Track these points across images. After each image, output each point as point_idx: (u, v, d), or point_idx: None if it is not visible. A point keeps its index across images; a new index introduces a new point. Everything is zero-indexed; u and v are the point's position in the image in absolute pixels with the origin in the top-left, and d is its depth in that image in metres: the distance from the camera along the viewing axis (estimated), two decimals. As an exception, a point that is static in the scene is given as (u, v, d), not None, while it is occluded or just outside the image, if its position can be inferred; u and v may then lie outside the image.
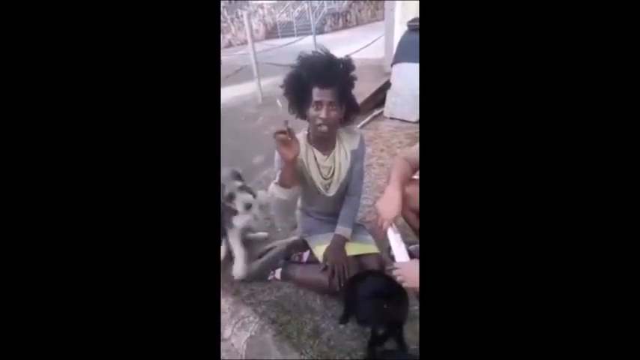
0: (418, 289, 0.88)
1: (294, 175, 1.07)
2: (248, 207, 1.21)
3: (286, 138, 0.95)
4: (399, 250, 0.97)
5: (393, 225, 1.00)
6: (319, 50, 1.06)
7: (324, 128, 1.05)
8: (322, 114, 1.02)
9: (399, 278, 0.91)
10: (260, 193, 1.29)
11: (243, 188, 1.22)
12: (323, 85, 1.01)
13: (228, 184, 1.20)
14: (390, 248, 1.03)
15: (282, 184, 1.06)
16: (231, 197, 1.21)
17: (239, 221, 1.28)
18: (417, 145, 1.08)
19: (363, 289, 1.05)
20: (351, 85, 1.08)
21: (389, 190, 1.00)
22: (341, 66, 1.04)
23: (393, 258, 0.99)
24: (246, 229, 1.37)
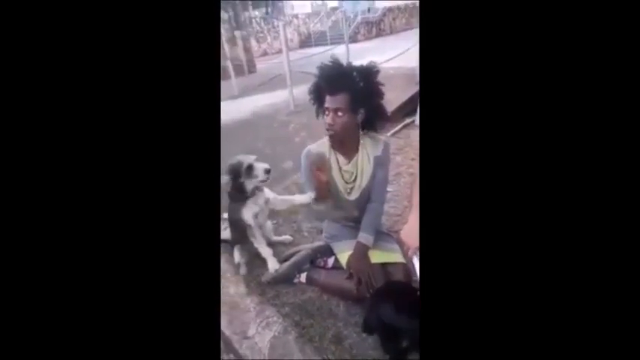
0: None
1: (328, 192, 1.21)
2: (268, 172, 1.27)
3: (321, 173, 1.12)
4: None
5: (418, 253, 1.01)
6: (330, 60, 1.13)
7: (331, 133, 1.12)
8: (328, 119, 1.10)
9: None
10: (267, 191, 1.35)
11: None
12: (331, 93, 1.08)
13: (244, 159, 1.26)
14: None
15: (318, 199, 1.20)
16: (250, 168, 1.25)
17: (248, 213, 1.31)
18: None
19: (389, 302, 1.04)
20: (374, 92, 1.11)
21: (412, 218, 1.02)
22: (354, 74, 1.08)
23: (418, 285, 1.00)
24: (258, 224, 1.40)
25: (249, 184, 1.27)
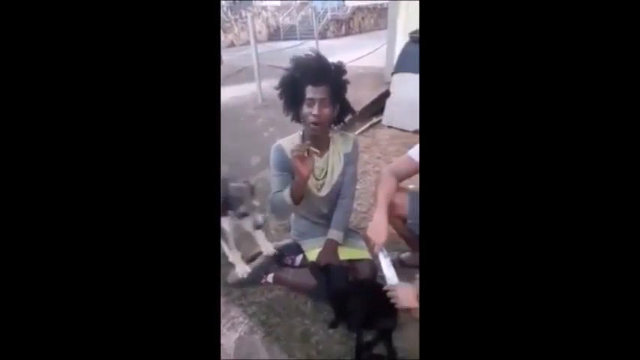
0: (410, 310, 0.96)
1: (305, 189, 1.14)
2: (258, 227, 1.21)
3: (304, 155, 1.03)
4: (390, 273, 1.04)
5: (383, 249, 1.06)
6: (310, 52, 1.13)
7: (317, 125, 1.09)
8: (315, 110, 1.07)
9: (392, 300, 0.97)
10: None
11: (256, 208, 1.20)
12: (315, 83, 1.06)
13: (246, 202, 1.16)
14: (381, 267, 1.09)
15: (293, 196, 1.11)
16: (244, 215, 1.16)
17: (225, 222, 1.22)
18: (404, 157, 1.14)
19: (354, 297, 1.08)
20: (344, 88, 1.14)
21: (376, 216, 1.07)
22: (332, 67, 1.10)
23: (384, 280, 1.05)
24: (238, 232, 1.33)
25: (238, 213, 1.18)
